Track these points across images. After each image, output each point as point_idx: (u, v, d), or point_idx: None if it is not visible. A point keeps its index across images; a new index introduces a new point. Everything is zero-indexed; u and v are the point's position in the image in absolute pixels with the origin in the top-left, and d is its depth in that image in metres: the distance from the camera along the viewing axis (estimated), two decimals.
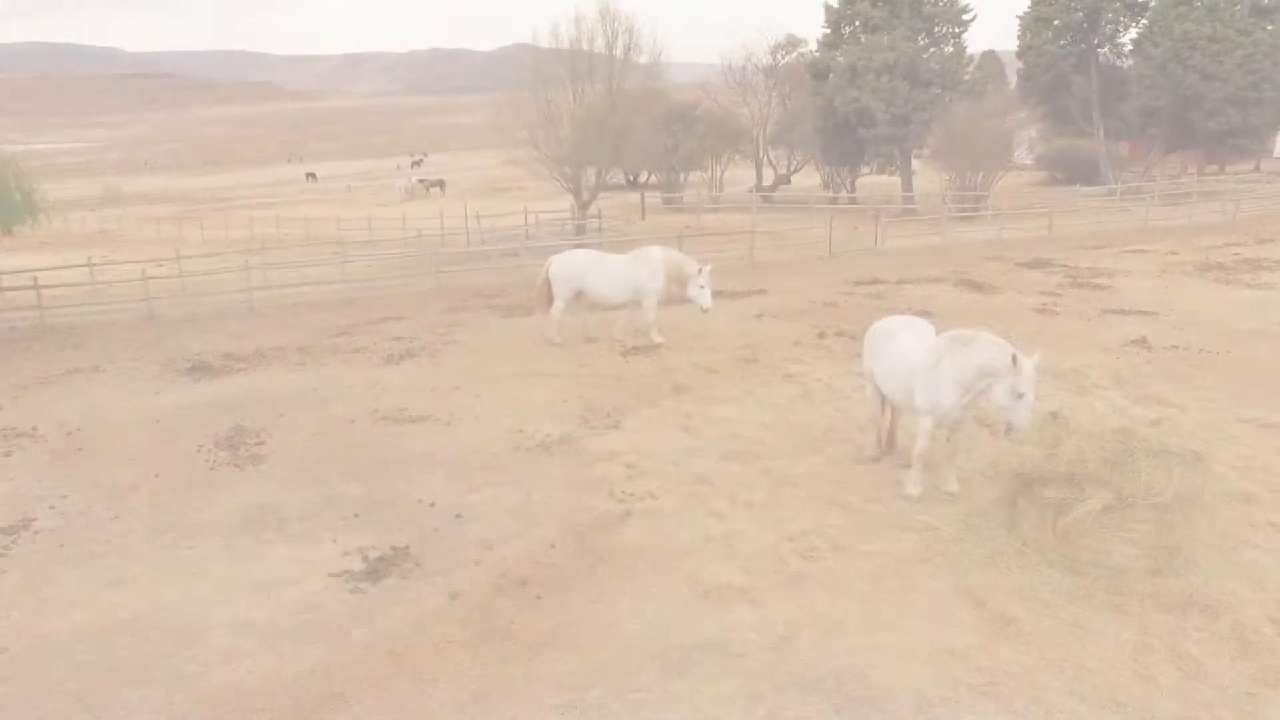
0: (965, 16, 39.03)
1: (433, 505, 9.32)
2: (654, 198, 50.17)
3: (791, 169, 48.71)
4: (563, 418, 12.00)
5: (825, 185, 44.93)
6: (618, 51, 29.73)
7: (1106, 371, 13.71)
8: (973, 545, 7.96)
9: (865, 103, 38.17)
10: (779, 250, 29.05)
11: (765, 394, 12.85)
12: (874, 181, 52.56)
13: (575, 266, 16.08)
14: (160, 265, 27.69)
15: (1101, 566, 7.25)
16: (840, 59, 39.67)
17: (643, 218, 40.26)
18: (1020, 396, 7.92)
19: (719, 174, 50.94)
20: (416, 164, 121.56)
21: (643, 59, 30.70)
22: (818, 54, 42.03)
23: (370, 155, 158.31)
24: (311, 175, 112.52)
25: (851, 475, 9.80)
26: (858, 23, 40.00)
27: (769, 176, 50.01)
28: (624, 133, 30.39)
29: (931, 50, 39.53)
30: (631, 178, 61.30)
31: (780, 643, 6.67)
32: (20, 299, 22.18)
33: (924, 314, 18.18)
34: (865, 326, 16.70)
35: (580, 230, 31.05)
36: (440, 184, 74.51)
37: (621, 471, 10.07)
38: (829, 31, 41.34)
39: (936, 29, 39.36)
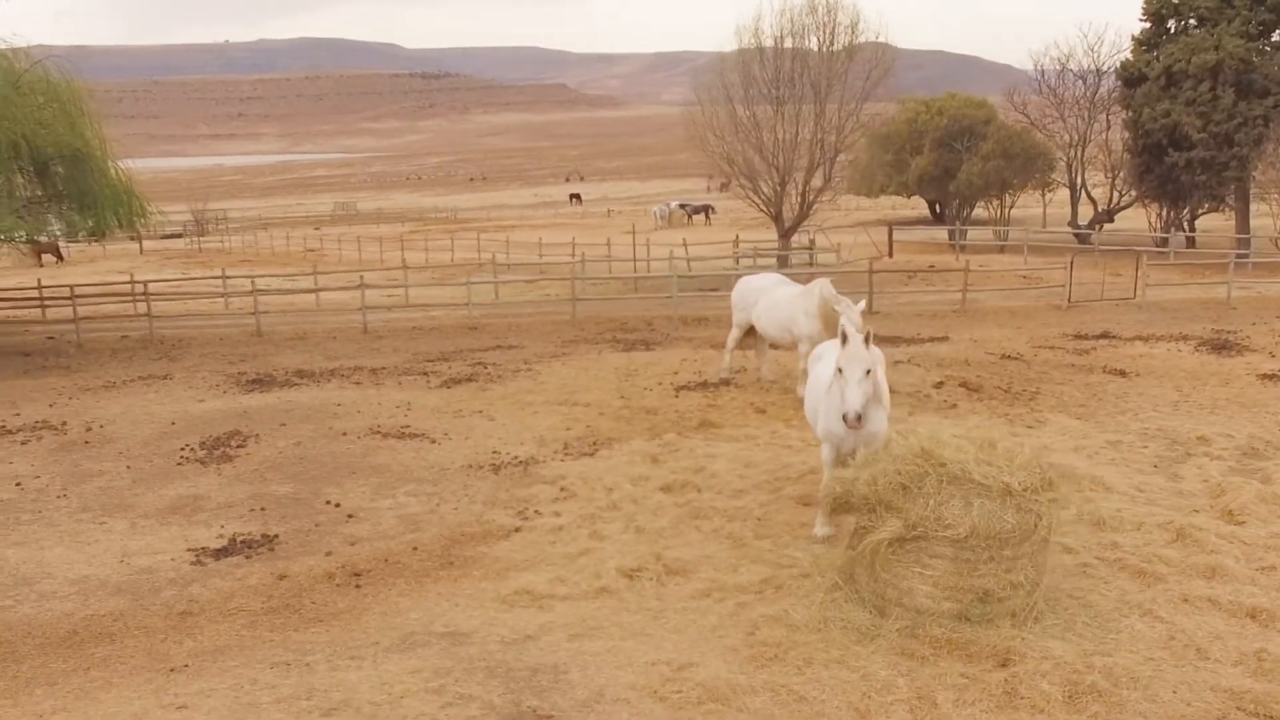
0: None
1: (337, 506, 11.62)
2: (940, 232, 50.66)
3: (1114, 204, 47.40)
4: (546, 443, 13.99)
5: (1166, 225, 43.28)
6: (838, 47, 31.22)
7: (1244, 442, 13.78)
8: (813, 581, 9.09)
9: (1176, 117, 37.04)
10: (1011, 295, 29.36)
11: (791, 435, 14.14)
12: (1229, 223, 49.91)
13: (749, 293, 17.54)
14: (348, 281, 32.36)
15: (904, 606, 8.22)
16: (1157, 62, 38.74)
17: (889, 254, 41.17)
18: (839, 372, 9.10)
19: (1009, 206, 50.58)
20: (723, 186, 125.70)
21: (864, 53, 31.80)
22: (1131, 56, 41.18)
23: (667, 175, 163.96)
24: (575, 197, 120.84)
25: (781, 514, 11.01)
26: (1189, 16, 38.88)
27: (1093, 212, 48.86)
28: (839, 146, 31.77)
29: None
30: (939, 210, 61.82)
31: (520, 639, 8.25)
32: (157, 309, 27.12)
33: (1118, 373, 18.66)
34: (1017, 382, 17.62)
35: (783, 262, 32.70)
36: (706, 210, 77.88)
37: (550, 493, 11.90)
38: (1149, 27, 40.42)
39: None
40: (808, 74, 31.41)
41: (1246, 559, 9.79)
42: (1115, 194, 47.33)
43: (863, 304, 15.70)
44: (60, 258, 55.16)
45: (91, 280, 35.56)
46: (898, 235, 47.98)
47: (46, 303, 27.36)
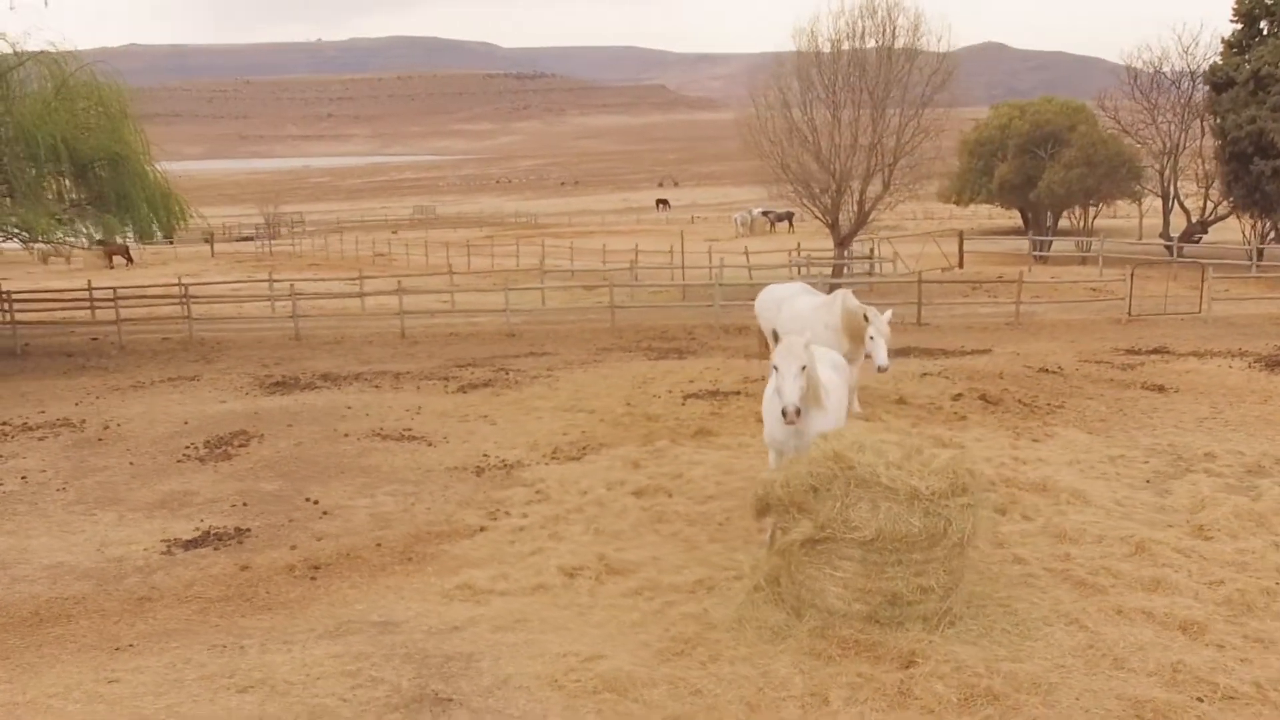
0: None
1: (316, 503, 12.41)
2: (1023, 242, 50.40)
3: (1208, 215, 46.69)
4: (538, 447, 14.68)
5: (1262, 237, 42.55)
6: (898, 46, 31.47)
7: (1253, 459, 13.92)
8: (743, 583, 9.61)
9: (1263, 124, 36.55)
10: (1072, 309, 29.42)
11: None
12: None
13: (770, 303, 17.98)
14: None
15: (817, 607, 8.71)
16: (1246, 65, 38.31)
17: (959, 265, 41.18)
18: (775, 370, 9.64)
19: (1093, 215, 50.12)
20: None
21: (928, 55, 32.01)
22: (1220, 59, 40.73)
23: (765, 180, 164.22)
24: (663, 203, 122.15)
25: (744, 520, 11.33)
26: None
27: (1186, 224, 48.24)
28: (899, 152, 31.96)
29: None
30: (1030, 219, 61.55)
31: (446, 630, 8.90)
32: (204, 311, 28.44)
33: (1155, 389, 18.79)
34: (1043, 396, 17.84)
35: (837, 271, 33.05)
36: (788, 217, 78.22)
37: (525, 495, 12.56)
38: (1240, 28, 39.96)
39: None
40: (865, 78, 31.78)
41: (1199, 574, 10.05)
42: (1209, 204, 46.70)
43: (889, 313, 16.06)
44: (130, 260, 57.39)
45: (155, 282, 37.30)
46: (980, 245, 47.96)
47: (96, 304, 28.85)
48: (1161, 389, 18.87)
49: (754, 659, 8.28)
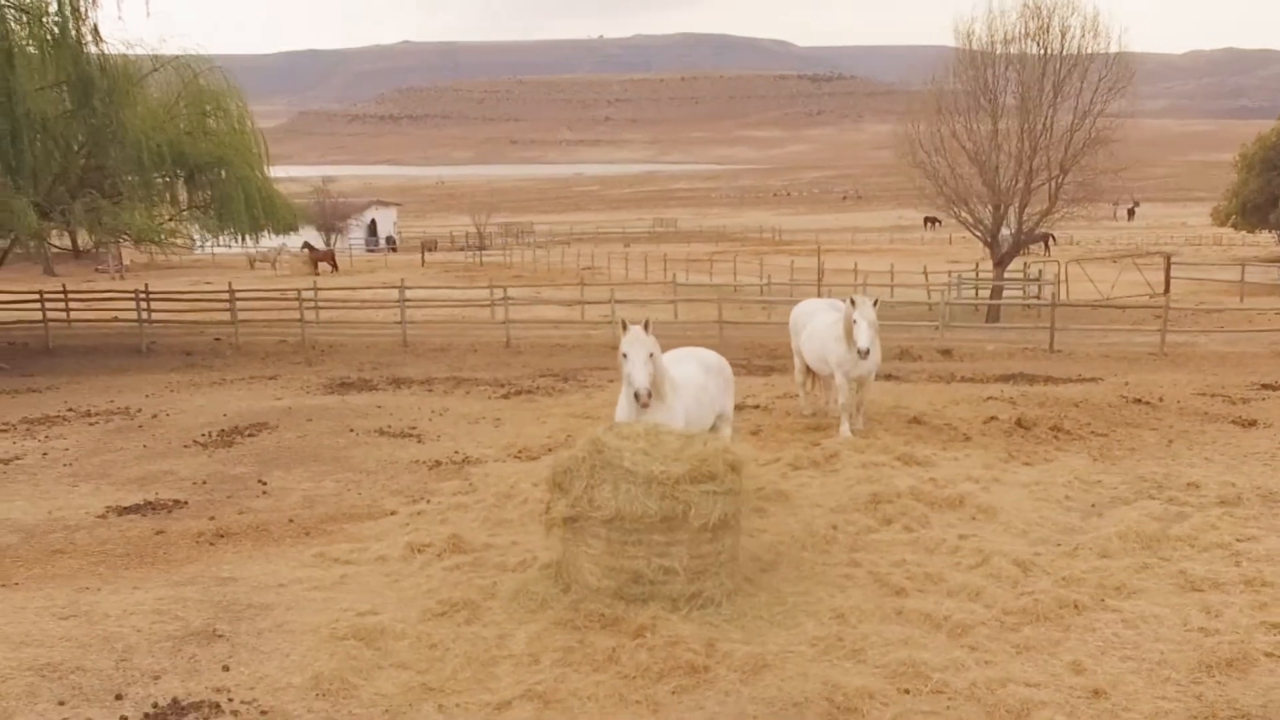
0: None
1: (263, 484, 14.85)
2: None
3: None
4: (511, 449, 16.63)
5: None
6: (1069, 49, 31.83)
7: (1240, 492, 14.34)
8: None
9: None
10: (1238, 340, 29.12)
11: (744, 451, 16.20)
12: None
13: (796, 319, 19.14)
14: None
15: (578, 583, 10.42)
16: None
17: (1165, 292, 40.67)
18: (624, 357, 11.28)
19: None
20: (1130, 213, 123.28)
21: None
22: None
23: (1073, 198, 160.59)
24: (933, 221, 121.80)
25: None
26: None
27: None
28: (1065, 164, 32.20)
29: None
30: None
31: (270, 585, 10.87)
32: (338, 316, 31.81)
33: (1245, 424, 19.22)
34: (1096, 424, 18.59)
35: (996, 294, 33.56)
36: (1047, 239, 77.01)
37: (456, 487, 14.51)
38: None
39: None
40: (1028, 81, 32.27)
41: (1023, 585, 10.86)
42: None
43: (877, 301, 17.12)
44: (335, 266, 62.71)
45: (347, 286, 41.50)
46: (1212, 273, 46.65)
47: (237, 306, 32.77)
48: (1251, 424, 18.98)
49: (503, 624, 9.96)
